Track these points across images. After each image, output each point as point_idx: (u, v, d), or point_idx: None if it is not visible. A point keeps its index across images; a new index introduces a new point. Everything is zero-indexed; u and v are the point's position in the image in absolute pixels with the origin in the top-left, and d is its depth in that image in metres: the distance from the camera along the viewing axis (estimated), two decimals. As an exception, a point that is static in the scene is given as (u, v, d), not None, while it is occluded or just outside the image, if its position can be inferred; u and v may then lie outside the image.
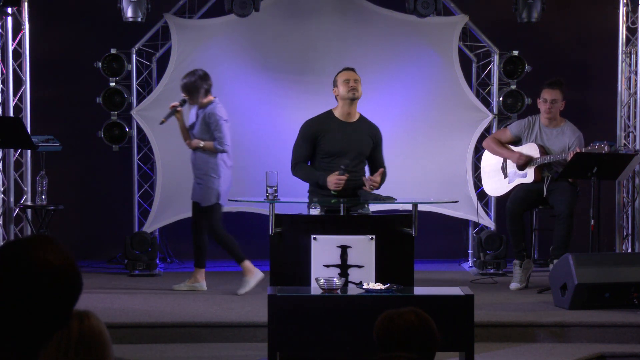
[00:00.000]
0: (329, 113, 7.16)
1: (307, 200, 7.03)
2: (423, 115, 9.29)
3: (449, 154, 9.26)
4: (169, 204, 9.07)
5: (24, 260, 2.09)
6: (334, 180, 6.83)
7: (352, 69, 7.15)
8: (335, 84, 7.12)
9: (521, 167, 8.22)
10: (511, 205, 8.17)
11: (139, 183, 9.26)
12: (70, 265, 2.14)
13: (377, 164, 7.16)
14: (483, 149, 8.76)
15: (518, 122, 8.43)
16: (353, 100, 7.06)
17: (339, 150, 7.01)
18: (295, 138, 7.17)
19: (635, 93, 9.30)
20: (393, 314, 2.88)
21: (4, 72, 8.78)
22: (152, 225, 9.07)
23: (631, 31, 9.28)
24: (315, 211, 6.69)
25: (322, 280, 5.89)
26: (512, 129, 8.37)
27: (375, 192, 7.03)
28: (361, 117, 7.20)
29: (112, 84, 9.08)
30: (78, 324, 2.49)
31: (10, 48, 8.78)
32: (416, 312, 2.89)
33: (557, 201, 8.08)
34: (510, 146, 8.34)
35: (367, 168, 7.25)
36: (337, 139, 7.03)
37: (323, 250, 6.41)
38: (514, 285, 8.17)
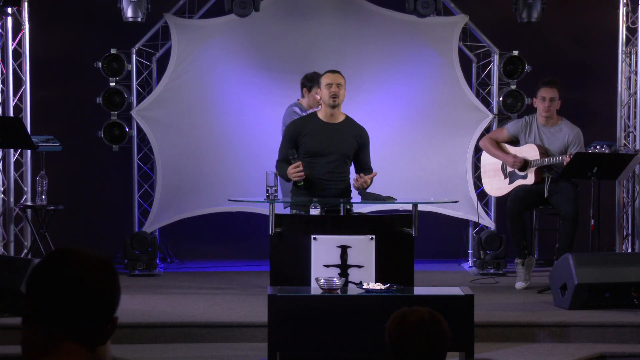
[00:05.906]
0: (314, 114, 7.24)
1: (308, 201, 6.96)
2: (423, 116, 9.28)
3: (449, 154, 9.25)
4: (169, 204, 9.06)
5: (60, 276, 2.16)
6: (292, 172, 6.91)
7: (337, 72, 7.15)
8: (318, 86, 7.22)
9: (519, 168, 8.20)
10: (511, 205, 8.15)
11: (139, 183, 9.26)
12: (107, 281, 2.18)
13: (362, 165, 7.15)
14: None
15: (515, 122, 8.42)
16: (333, 107, 7.09)
17: (319, 151, 7.05)
18: None
19: (635, 93, 9.30)
20: (406, 311, 2.90)
21: (4, 72, 8.78)
22: (152, 225, 9.06)
23: (631, 31, 9.28)
24: (315, 211, 6.68)
25: (322, 280, 5.89)
26: (509, 129, 8.35)
27: (375, 191, 7.04)
28: (347, 119, 7.18)
29: (112, 84, 9.07)
30: None
31: (10, 48, 8.78)
32: (430, 311, 2.91)
33: (562, 201, 8.03)
34: (507, 147, 8.32)
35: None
36: (317, 140, 7.06)
37: (323, 250, 6.41)
38: (520, 285, 8.11)
